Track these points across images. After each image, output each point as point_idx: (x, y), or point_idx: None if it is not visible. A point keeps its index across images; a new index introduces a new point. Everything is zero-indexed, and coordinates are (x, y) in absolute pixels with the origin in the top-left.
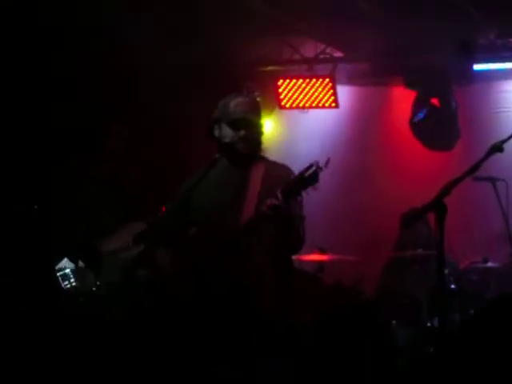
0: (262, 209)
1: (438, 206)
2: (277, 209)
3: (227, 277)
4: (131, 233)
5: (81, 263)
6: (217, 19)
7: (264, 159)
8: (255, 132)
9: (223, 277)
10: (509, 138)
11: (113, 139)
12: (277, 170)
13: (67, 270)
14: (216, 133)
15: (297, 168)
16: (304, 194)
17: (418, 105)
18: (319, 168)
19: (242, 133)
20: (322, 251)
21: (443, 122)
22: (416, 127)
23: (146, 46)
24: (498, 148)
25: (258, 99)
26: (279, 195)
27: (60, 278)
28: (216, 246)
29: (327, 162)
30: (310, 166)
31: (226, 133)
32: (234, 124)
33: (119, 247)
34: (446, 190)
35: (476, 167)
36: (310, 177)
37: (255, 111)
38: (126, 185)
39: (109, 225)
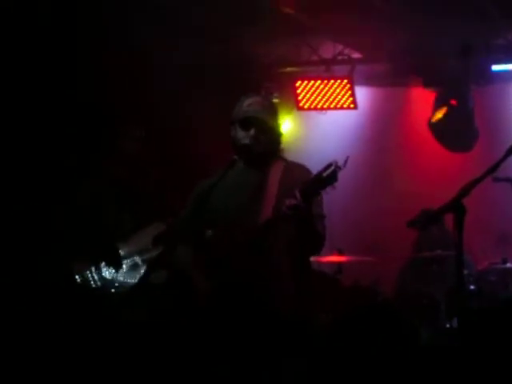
0: (282, 209)
1: (456, 207)
2: (296, 209)
3: (245, 277)
4: (150, 234)
5: (102, 264)
6: (235, 19)
7: (282, 159)
8: (267, 131)
9: (241, 277)
10: None
11: (128, 141)
12: (295, 170)
13: (87, 272)
14: (232, 134)
15: (315, 169)
16: (324, 193)
17: (437, 105)
18: (338, 167)
19: (253, 132)
20: (340, 252)
21: (461, 122)
22: (435, 128)
23: (158, 46)
24: None
25: (273, 100)
26: (298, 195)
27: (80, 280)
28: (234, 247)
29: (346, 162)
30: (329, 166)
31: (239, 133)
32: (245, 123)
33: (139, 249)
34: (465, 190)
35: (495, 168)
36: (328, 176)
37: (268, 111)
38: (145, 186)
39: (127, 227)
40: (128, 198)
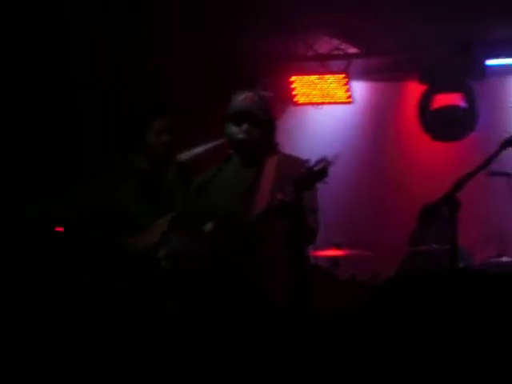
0: (273, 203)
1: (450, 201)
2: (286, 203)
3: (240, 270)
4: (160, 230)
5: None
6: (230, 15)
7: (277, 153)
8: (260, 125)
9: (236, 271)
10: None
11: (154, 135)
12: (290, 164)
13: None
14: (226, 130)
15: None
16: (320, 187)
17: (428, 99)
18: (328, 163)
19: (245, 126)
20: (337, 247)
21: (454, 116)
22: (426, 121)
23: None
24: (510, 143)
25: (266, 94)
26: (288, 189)
27: None
28: (229, 240)
29: (336, 157)
30: (320, 161)
31: (232, 129)
32: (237, 117)
33: (148, 244)
34: (459, 184)
35: (488, 162)
36: (319, 171)
37: (259, 105)
38: (165, 182)
39: (143, 221)
40: (149, 191)
